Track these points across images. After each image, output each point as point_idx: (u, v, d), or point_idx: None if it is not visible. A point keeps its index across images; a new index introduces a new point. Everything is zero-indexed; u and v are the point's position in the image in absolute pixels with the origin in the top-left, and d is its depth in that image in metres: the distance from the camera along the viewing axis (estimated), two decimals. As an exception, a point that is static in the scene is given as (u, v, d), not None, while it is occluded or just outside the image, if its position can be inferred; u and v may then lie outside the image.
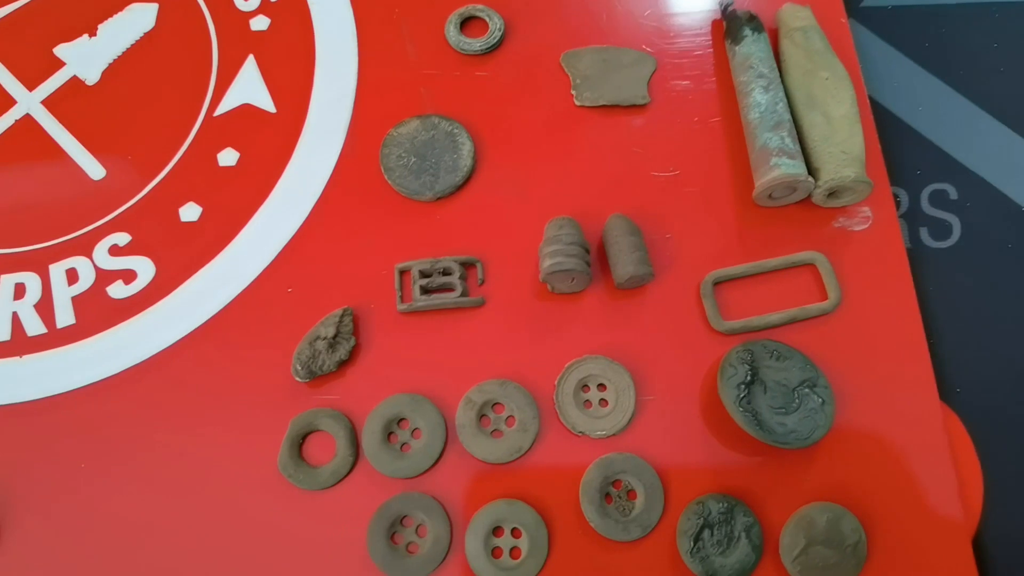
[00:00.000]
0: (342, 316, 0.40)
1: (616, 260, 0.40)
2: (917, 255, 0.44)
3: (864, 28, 0.50)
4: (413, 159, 0.44)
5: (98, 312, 0.42)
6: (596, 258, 0.42)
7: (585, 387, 0.40)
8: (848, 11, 0.49)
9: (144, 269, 0.43)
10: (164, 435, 0.40)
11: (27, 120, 0.47)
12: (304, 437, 0.39)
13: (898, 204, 0.46)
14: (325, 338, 0.40)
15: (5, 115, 0.47)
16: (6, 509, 0.39)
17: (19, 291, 0.43)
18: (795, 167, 0.42)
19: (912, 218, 0.46)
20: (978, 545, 0.38)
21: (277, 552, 0.38)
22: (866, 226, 0.44)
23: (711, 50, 0.47)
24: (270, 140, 0.45)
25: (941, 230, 0.45)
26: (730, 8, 0.47)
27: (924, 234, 0.45)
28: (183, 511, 0.38)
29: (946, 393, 0.41)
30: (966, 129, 0.48)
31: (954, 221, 0.46)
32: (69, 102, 0.47)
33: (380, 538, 0.37)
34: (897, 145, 0.47)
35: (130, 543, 0.38)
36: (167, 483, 0.39)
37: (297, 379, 0.40)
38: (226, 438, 0.39)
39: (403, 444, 0.39)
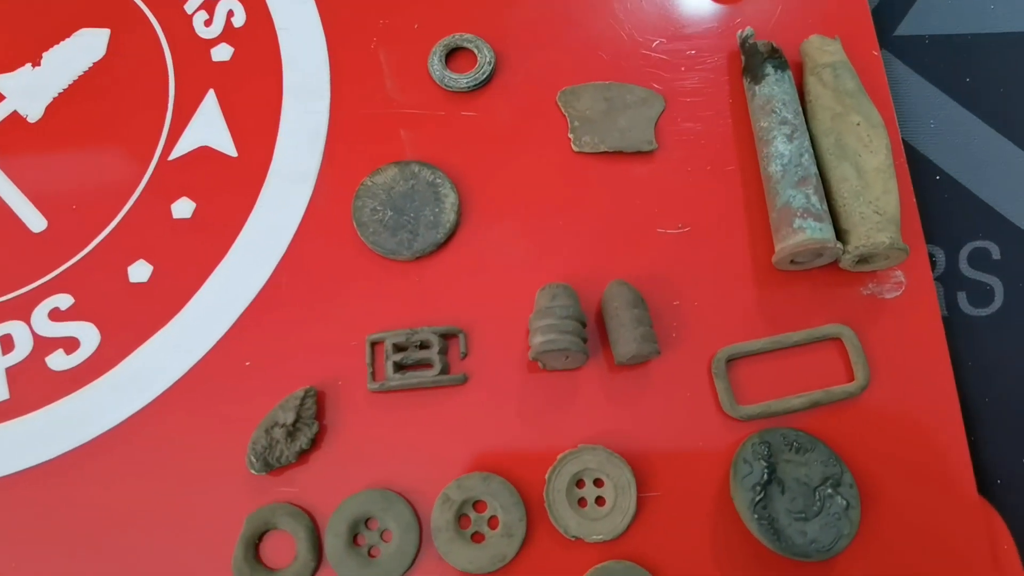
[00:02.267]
0: (303, 398, 0.36)
1: (617, 336, 0.36)
2: (954, 324, 0.40)
3: (897, 60, 0.45)
4: (390, 213, 0.39)
5: (36, 385, 0.38)
6: (594, 329, 0.37)
7: (580, 482, 0.35)
8: (880, 41, 0.44)
9: (88, 337, 0.38)
10: (105, 532, 0.35)
11: (-38, 163, 0.42)
12: (260, 537, 0.35)
13: (933, 264, 0.41)
14: (284, 425, 0.35)
15: (-65, 156, 0.42)
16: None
17: (-52, 360, 0.39)
18: (822, 231, 0.37)
19: (949, 281, 0.41)
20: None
21: (227, 673, 0.33)
22: (898, 293, 0.39)
23: (727, 87, 0.42)
24: (230, 188, 0.40)
25: (981, 295, 0.40)
26: (750, 41, 0.41)
27: (962, 299, 0.40)
28: (124, 621, 0.34)
29: (985, 486, 0.36)
30: (1012, 178, 0.42)
31: (996, 284, 0.41)
32: (8, 141, 0.42)
33: (343, 659, 0.33)
34: (933, 196, 0.42)
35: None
36: (107, 587, 0.35)
37: (252, 472, 0.35)
38: (175, 536, 0.35)
39: (371, 547, 0.35)
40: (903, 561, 0.34)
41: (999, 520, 0.37)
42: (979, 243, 0.41)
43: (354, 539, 0.35)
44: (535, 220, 0.39)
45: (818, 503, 0.34)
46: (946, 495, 0.35)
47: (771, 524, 0.33)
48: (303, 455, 0.36)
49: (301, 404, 0.36)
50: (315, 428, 0.36)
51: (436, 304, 0.38)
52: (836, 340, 0.38)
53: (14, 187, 0.41)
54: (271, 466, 0.35)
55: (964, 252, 0.41)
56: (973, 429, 0.37)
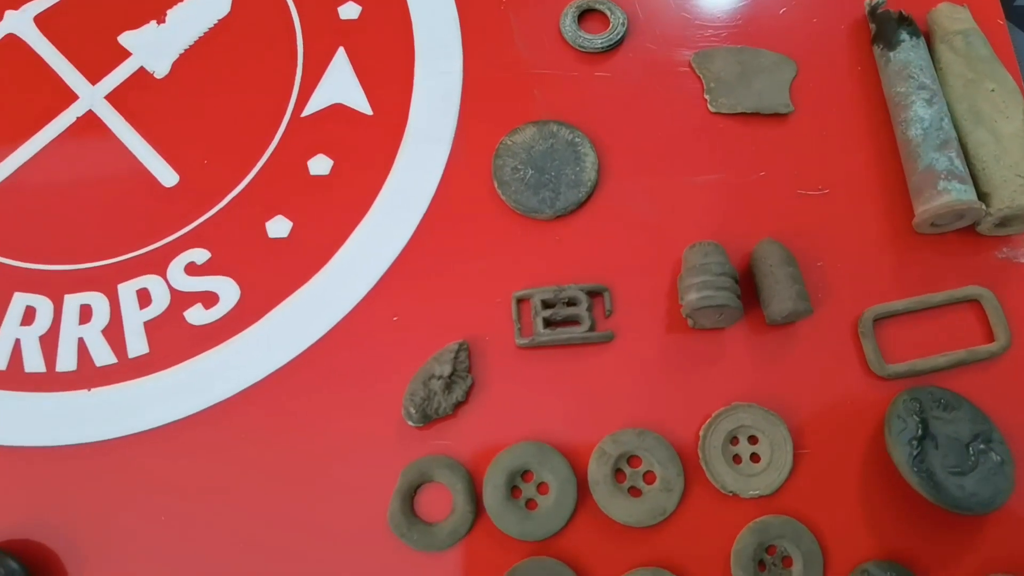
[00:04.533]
0: (457, 351, 0.36)
1: (771, 294, 0.36)
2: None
3: (1018, 30, 0.45)
4: (531, 172, 0.39)
5: (174, 340, 0.37)
6: (743, 289, 0.38)
7: (734, 439, 0.36)
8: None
9: (227, 291, 0.38)
10: (252, 488, 0.35)
11: (90, 117, 0.41)
12: (417, 489, 0.35)
13: (1063, 233, 0.41)
14: (441, 377, 0.35)
15: (66, 111, 0.41)
16: (76, 565, 0.35)
17: (85, 314, 0.38)
18: (966, 192, 0.37)
19: (1078, 247, 0.41)
20: None
21: (391, 623, 0.33)
22: (1033, 257, 0.39)
23: (854, 54, 0.42)
24: (367, 146, 0.40)
25: (1112, 262, 0.41)
26: (881, 7, 0.42)
27: (1091, 266, 0.41)
28: (278, 574, 0.34)
29: None
30: None
31: (1125, 252, 0.41)
32: (136, 97, 0.42)
33: (509, 610, 0.33)
34: (1059, 165, 0.42)
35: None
36: (257, 545, 0.34)
37: (409, 423, 0.35)
38: (326, 492, 0.35)
39: (528, 500, 0.35)
40: (1054, 517, 0.35)
41: None
42: (1107, 210, 0.42)
43: (512, 491, 0.35)
44: (675, 179, 0.40)
45: (972, 458, 0.34)
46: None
47: (930, 477, 0.34)
48: (458, 407, 0.35)
49: (456, 357, 0.35)
50: (469, 381, 0.36)
51: (578, 262, 0.38)
52: (975, 302, 0.38)
53: (144, 142, 0.41)
54: (429, 418, 0.35)
55: (1092, 220, 0.42)
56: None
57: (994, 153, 0.38)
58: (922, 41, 0.41)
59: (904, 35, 0.41)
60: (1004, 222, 0.38)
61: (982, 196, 0.38)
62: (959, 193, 0.37)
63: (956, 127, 0.40)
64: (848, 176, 0.40)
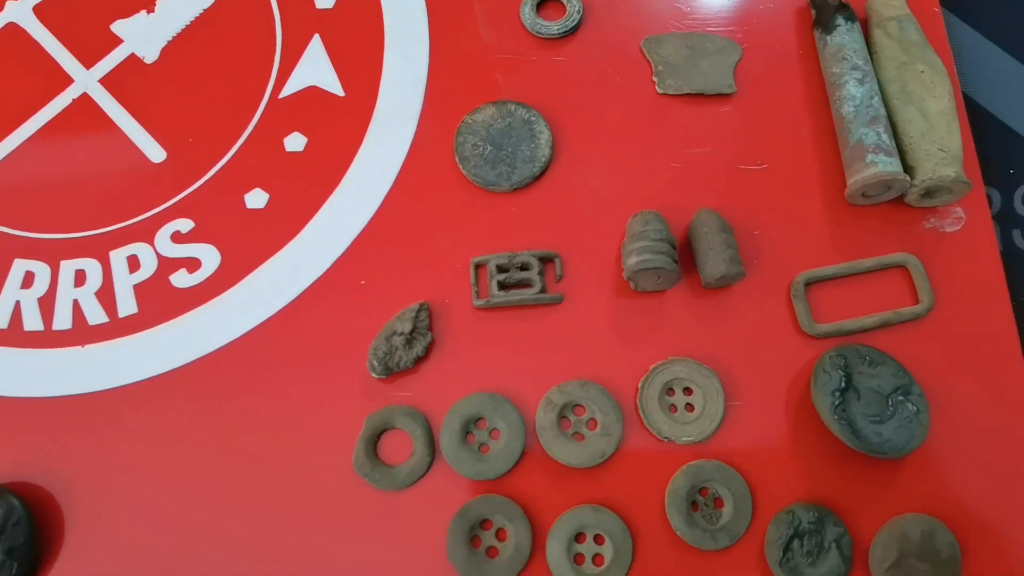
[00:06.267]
0: (418, 311, 0.39)
1: (705, 258, 0.39)
2: (1009, 258, 0.43)
3: (953, 15, 0.48)
4: (489, 148, 0.42)
5: (161, 301, 0.41)
6: (681, 255, 0.41)
7: (670, 391, 0.39)
8: (939, -1, 0.47)
9: (209, 257, 0.41)
10: (232, 433, 0.38)
11: (84, 100, 0.45)
12: (379, 435, 0.38)
13: (990, 204, 0.44)
14: (402, 333, 0.38)
15: (62, 94, 0.45)
16: (69, 509, 0.38)
17: (79, 278, 0.41)
18: (892, 165, 0.40)
19: (1004, 219, 0.44)
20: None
21: (354, 552, 0.36)
22: (958, 227, 0.42)
23: (797, 39, 0.45)
24: (339, 125, 0.43)
25: (1035, 232, 0.44)
26: (821, -6, 0.45)
27: (1017, 236, 0.44)
28: (256, 512, 0.37)
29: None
30: (1062, 127, 0.46)
31: (1048, 223, 0.44)
32: (127, 81, 0.45)
33: (460, 542, 0.36)
34: (989, 143, 0.45)
35: (197, 545, 0.37)
36: (235, 485, 0.38)
37: (373, 375, 0.38)
38: (298, 437, 0.38)
39: (481, 445, 0.38)
40: (968, 464, 0.37)
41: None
42: (1032, 186, 0.45)
43: (466, 437, 0.38)
44: (624, 156, 0.43)
45: (891, 408, 0.37)
46: (1008, 411, 0.38)
47: (850, 425, 0.36)
48: (418, 362, 0.39)
49: (416, 316, 0.39)
50: (429, 338, 0.39)
51: (532, 232, 0.41)
52: (902, 268, 0.41)
53: (135, 121, 0.44)
54: (391, 370, 0.38)
55: (1019, 193, 0.45)
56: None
57: (921, 129, 0.41)
58: (857, 26, 0.44)
59: (840, 20, 0.43)
60: (929, 193, 0.41)
61: (908, 169, 0.41)
62: (885, 165, 0.40)
63: (888, 106, 0.42)
64: (787, 152, 0.43)
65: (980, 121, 0.45)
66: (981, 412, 0.38)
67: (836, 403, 0.37)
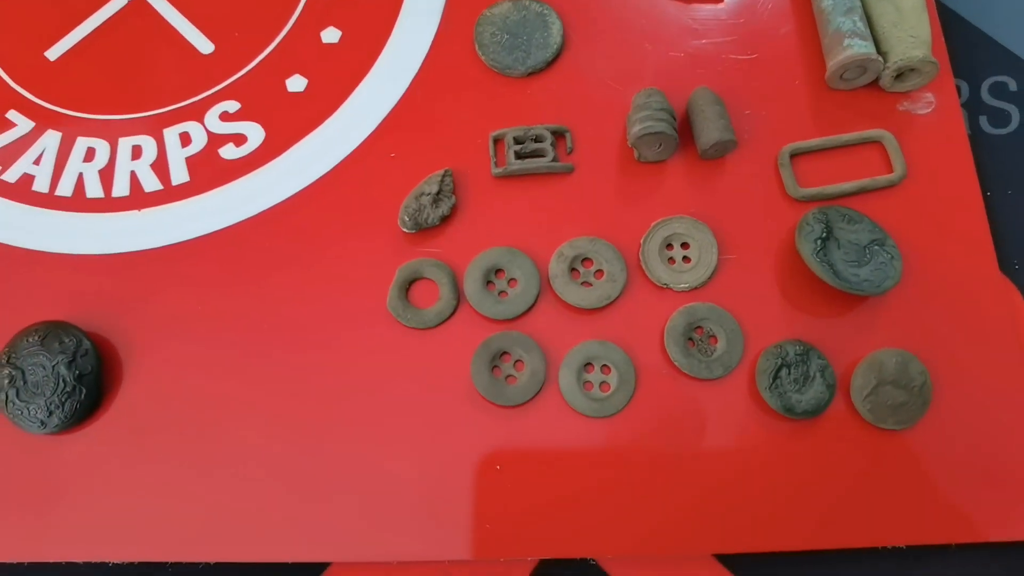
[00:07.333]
0: (443, 176, 0.43)
1: (702, 128, 0.43)
2: (977, 141, 0.47)
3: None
4: (506, 36, 0.46)
5: (211, 171, 0.45)
6: (680, 131, 0.45)
7: (669, 245, 0.43)
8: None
9: (254, 133, 0.46)
10: (278, 279, 0.43)
11: (139, 2, 0.50)
12: (410, 283, 0.42)
13: (959, 95, 0.48)
14: (429, 194, 0.42)
15: (120, -4, 0.50)
16: (128, 349, 0.42)
17: (136, 152, 0.46)
18: (866, 47, 0.44)
19: (972, 107, 0.48)
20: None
21: (389, 381, 0.41)
22: (929, 110, 0.46)
23: (784, -53, 0.50)
24: (371, 18, 0.48)
25: (1000, 118, 0.48)
26: (804, -95, 0.49)
27: (984, 122, 0.48)
28: (301, 348, 0.41)
29: (1005, 268, 0.44)
30: (1025, 26, 0.50)
31: (1013, 110, 0.48)
32: (178, -18, 0.50)
33: (483, 369, 0.40)
34: (959, 40, 0.49)
35: (245, 379, 0.41)
36: (281, 321, 0.42)
37: (404, 230, 0.43)
38: (338, 283, 0.42)
39: (500, 292, 0.42)
40: (938, 307, 0.41)
41: (1018, 295, 0.44)
42: (998, 78, 0.49)
43: (487, 285, 0.42)
44: (628, 45, 0.47)
45: (868, 255, 0.42)
46: (973, 266, 0.42)
47: (831, 267, 0.41)
48: (444, 221, 0.43)
49: (442, 180, 0.43)
50: (453, 200, 0.43)
51: (545, 111, 0.46)
52: (878, 144, 0.46)
53: (185, 19, 0.49)
54: (420, 226, 0.42)
55: (985, 85, 0.49)
56: (993, 222, 0.45)
57: (893, 20, 0.46)
58: (837, -70, 0.48)
59: (821, -74, 0.48)
60: (901, 75, 0.45)
61: (882, 54, 0.45)
62: (859, 47, 0.44)
63: (864, 2, 0.47)
64: (774, 44, 0.47)
65: (952, 22, 0.50)
66: (948, 265, 0.42)
67: (818, 249, 0.41)
